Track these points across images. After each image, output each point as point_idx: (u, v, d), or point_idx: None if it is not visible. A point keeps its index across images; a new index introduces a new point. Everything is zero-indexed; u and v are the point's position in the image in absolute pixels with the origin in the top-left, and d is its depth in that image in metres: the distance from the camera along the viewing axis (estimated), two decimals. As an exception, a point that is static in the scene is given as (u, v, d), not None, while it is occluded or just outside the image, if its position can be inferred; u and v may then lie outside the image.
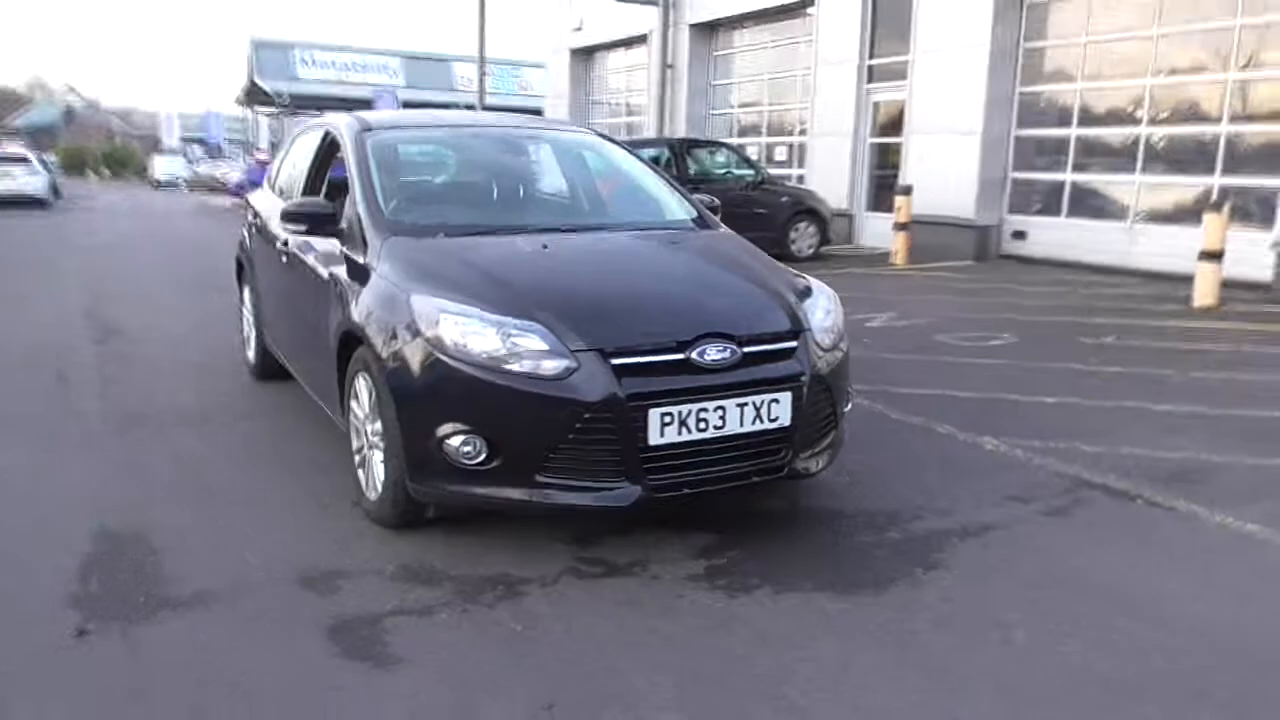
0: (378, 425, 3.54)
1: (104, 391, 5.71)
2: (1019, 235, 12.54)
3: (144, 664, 2.68)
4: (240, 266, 6.11)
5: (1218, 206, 8.97)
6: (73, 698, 2.53)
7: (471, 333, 3.23)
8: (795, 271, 4.09)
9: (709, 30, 18.05)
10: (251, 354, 5.96)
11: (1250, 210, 9.84)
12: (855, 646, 2.80)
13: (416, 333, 3.30)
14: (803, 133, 15.88)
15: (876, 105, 14.32)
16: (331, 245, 4.11)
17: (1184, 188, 10.81)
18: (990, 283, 10.43)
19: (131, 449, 4.61)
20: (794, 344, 3.48)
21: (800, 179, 15.45)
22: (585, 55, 22.41)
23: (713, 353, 3.28)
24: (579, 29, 21.67)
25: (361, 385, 3.65)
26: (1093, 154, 11.84)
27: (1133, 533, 3.68)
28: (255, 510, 3.82)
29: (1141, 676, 2.64)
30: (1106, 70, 11.53)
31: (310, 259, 4.32)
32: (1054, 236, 12.05)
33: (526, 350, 3.18)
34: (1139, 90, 11.14)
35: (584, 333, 3.22)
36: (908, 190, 12.12)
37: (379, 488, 3.57)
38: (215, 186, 39.25)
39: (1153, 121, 11.04)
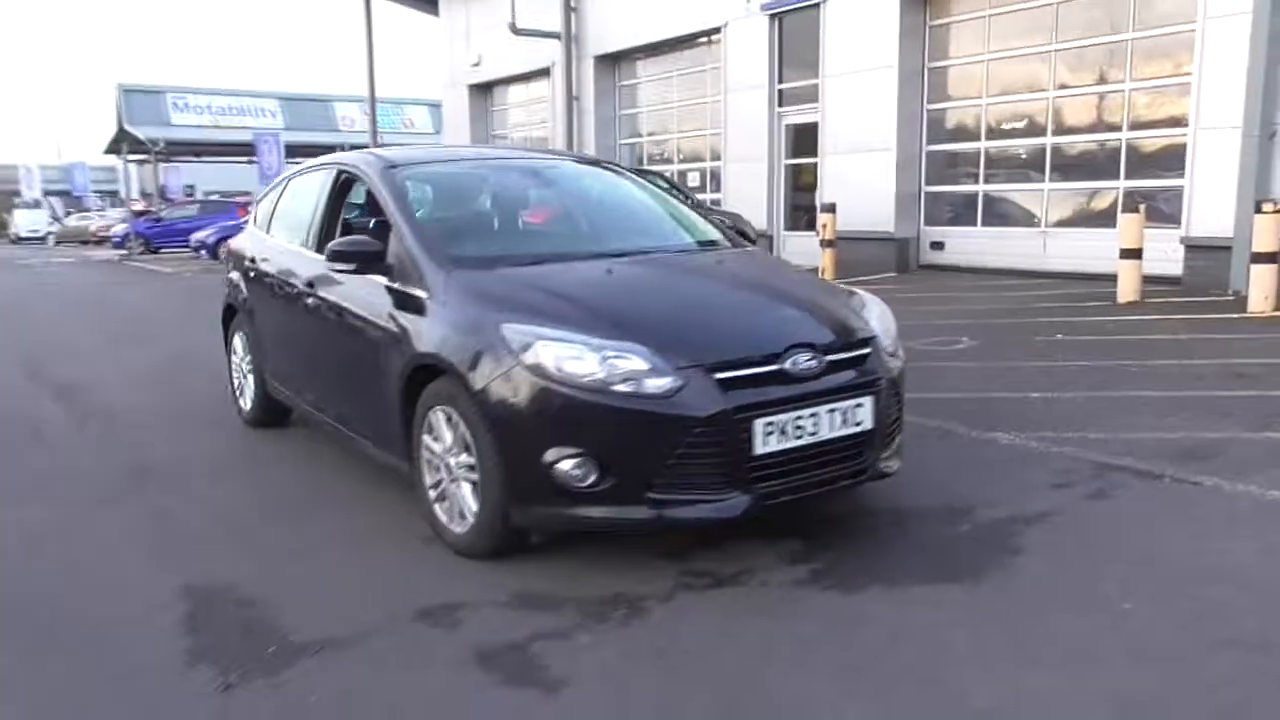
0: (464, 457, 3.55)
1: (96, 447, 5.48)
2: (937, 245, 13.14)
3: (304, 710, 2.63)
4: (228, 315, 5.95)
5: (1134, 208, 9.63)
6: (249, 750, 2.47)
7: (572, 357, 3.28)
8: (839, 283, 4.27)
9: (613, 61, 18.32)
10: (246, 402, 5.80)
11: (1158, 210, 10.56)
12: (986, 632, 2.95)
13: (514, 361, 3.33)
14: (715, 158, 16.27)
15: (789, 128, 14.80)
16: (376, 283, 4.07)
17: (1090, 193, 11.55)
18: (925, 291, 10.90)
19: (156, 502, 4.46)
20: (868, 350, 3.65)
21: (716, 203, 15.79)
22: (484, 90, 22.41)
23: (804, 362, 3.42)
24: (477, 64, 21.66)
25: (440, 419, 3.65)
26: (1002, 165, 12.53)
27: (1175, 507, 3.96)
28: (322, 554, 3.75)
29: (1258, 634, 2.87)
30: (1009, 86, 12.25)
31: (349, 298, 4.27)
32: (971, 245, 12.68)
33: (628, 371, 3.25)
34: (1041, 103, 11.87)
35: (681, 350, 3.31)
36: (832, 208, 12.56)
37: (470, 519, 3.56)
38: (90, 239, 37.51)
39: (1056, 132, 11.77)
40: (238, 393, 5.94)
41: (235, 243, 5.99)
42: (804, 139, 14.54)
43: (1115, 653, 2.79)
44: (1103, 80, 11.27)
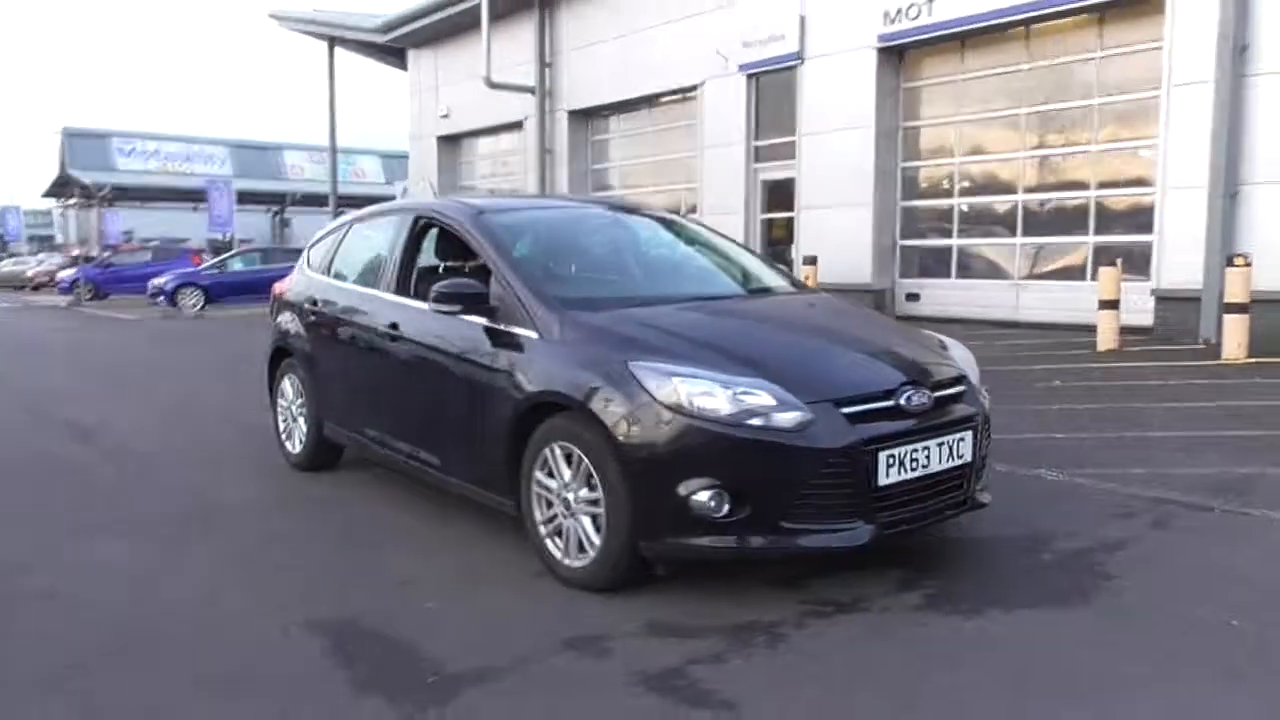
0: (585, 492, 3.67)
1: (146, 488, 5.45)
2: (913, 297, 13.60)
3: (494, 733, 2.71)
4: (277, 359, 5.98)
5: (1112, 262, 10.15)
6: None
7: (703, 393, 3.44)
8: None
9: (586, 116, 18.69)
10: (295, 445, 5.82)
11: (1130, 264, 11.13)
12: (1113, 653, 3.13)
13: (648, 398, 3.47)
14: (692, 210, 16.62)
15: (765, 183, 15.24)
16: (475, 324, 4.19)
17: (1061, 248, 12.12)
18: (911, 340, 11.26)
19: (237, 540, 4.48)
20: (964, 388, 3.89)
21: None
22: (453, 141, 22.62)
23: (917, 398, 3.63)
24: (446, 116, 21.90)
25: (558, 455, 3.77)
26: (976, 221, 13.08)
27: (1234, 535, 4.24)
28: (428, 589, 3.80)
29: (1355, 643, 3.12)
30: (980, 146, 12.84)
31: (445, 339, 4.37)
32: (946, 296, 13.16)
33: (759, 406, 3.42)
34: (1012, 163, 12.47)
35: (806, 387, 3.50)
36: (813, 260, 12.96)
37: (591, 552, 3.67)
38: (26, 285, 36.51)
39: (1027, 190, 12.36)
40: (284, 436, 5.95)
41: (287, 287, 6.04)
42: (779, 194, 15.00)
43: (1244, 664, 3.01)
44: (1071, 142, 11.89)
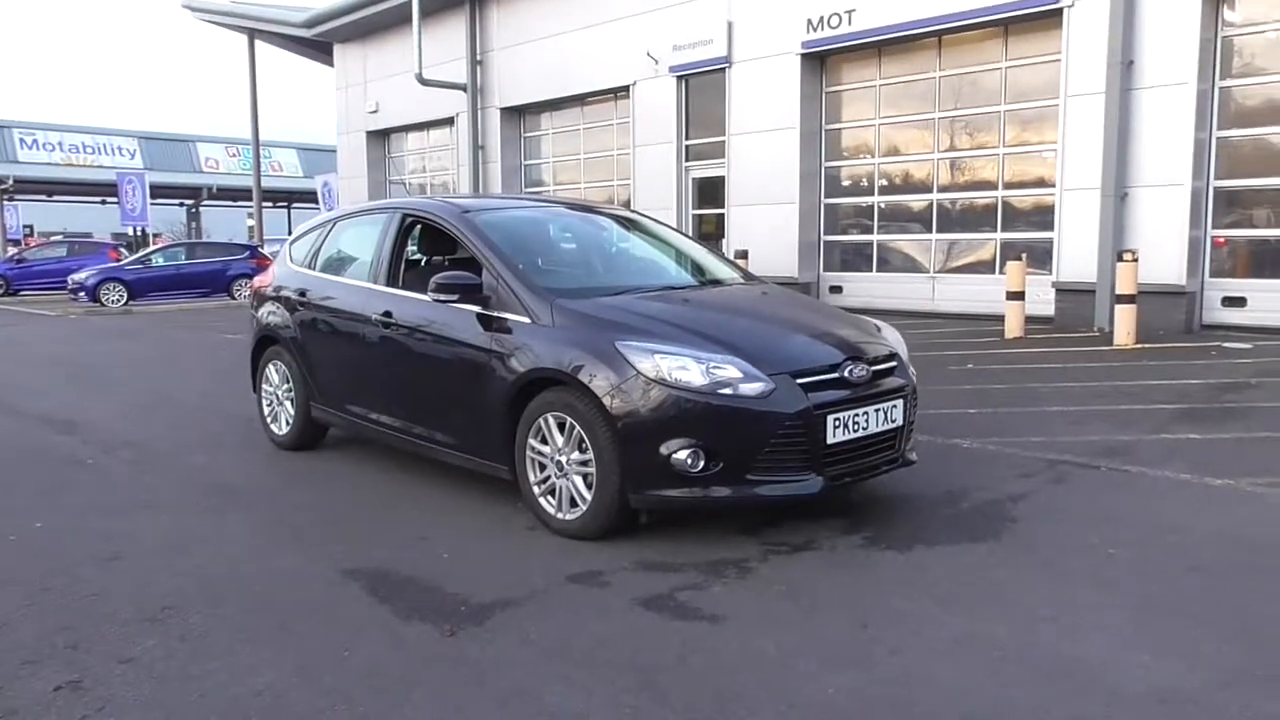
0: (577, 455, 4.27)
1: (149, 472, 5.83)
2: (836, 289, 14.46)
3: (528, 643, 3.29)
4: (261, 348, 6.42)
5: (1018, 256, 11.10)
6: (493, 672, 3.10)
7: (680, 367, 4.07)
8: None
9: (518, 113, 19.15)
10: (281, 427, 6.27)
11: (1034, 259, 12.13)
12: (1023, 572, 3.87)
13: (634, 372, 4.09)
14: (625, 206, 17.24)
15: (695, 180, 15.95)
16: (467, 311, 4.75)
17: (971, 244, 13.09)
18: (835, 329, 12.08)
19: (258, 511, 4.94)
20: (895, 363, 4.59)
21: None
22: (381, 136, 22.82)
23: (858, 372, 4.31)
24: (375, 111, 22.10)
25: (551, 424, 4.35)
26: (894, 218, 13.99)
27: (1116, 487, 5.04)
28: (440, 543, 4.34)
29: (1217, 562, 3.91)
30: (898, 147, 13.75)
31: (440, 326, 4.91)
32: (867, 288, 14.05)
33: (728, 378, 4.06)
34: (927, 164, 13.40)
35: (769, 361, 4.15)
36: (744, 254, 13.71)
37: (583, 506, 4.27)
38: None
39: (941, 189, 13.30)
40: (269, 420, 6.39)
41: (270, 281, 6.47)
42: (709, 191, 15.72)
43: (1122, 577, 3.77)
44: (980, 145, 12.86)
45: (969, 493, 4.95)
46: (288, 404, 6.20)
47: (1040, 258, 12.06)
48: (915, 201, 13.65)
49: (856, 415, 4.25)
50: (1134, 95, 10.85)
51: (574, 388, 4.26)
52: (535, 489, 4.50)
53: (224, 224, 47.20)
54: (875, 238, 14.12)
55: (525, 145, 19.41)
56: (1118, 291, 10.21)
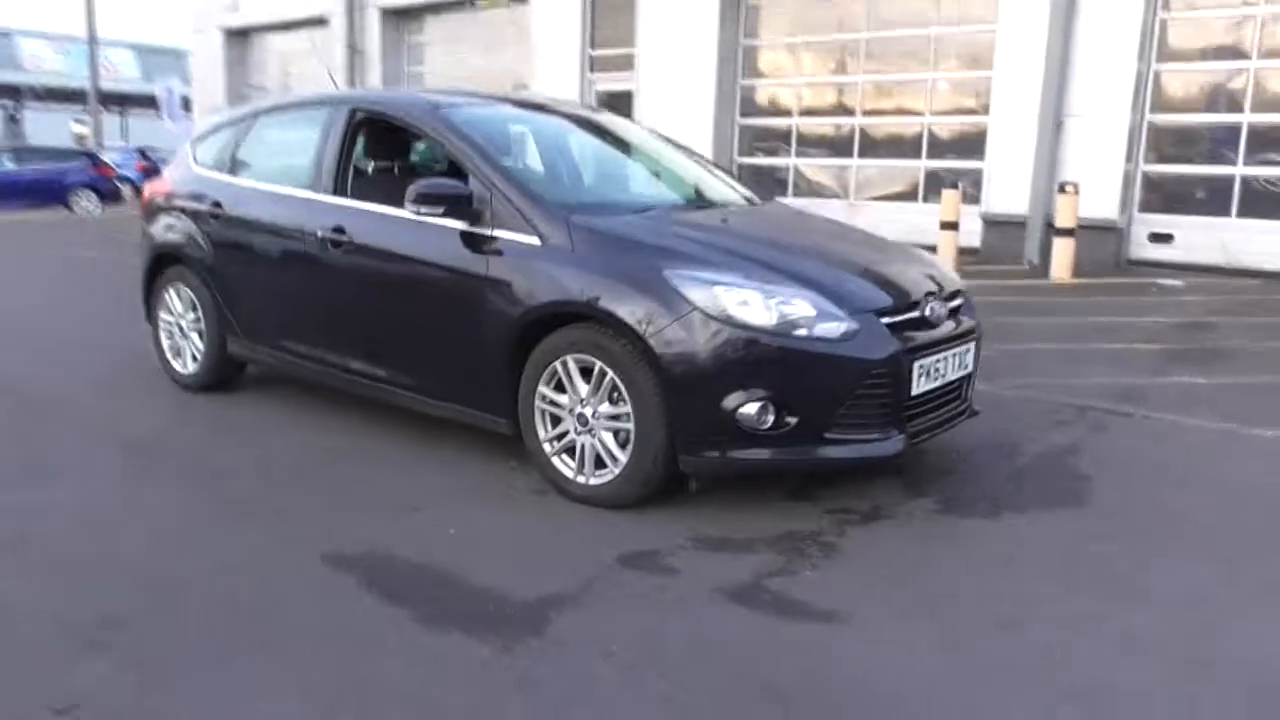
0: (606, 406, 3.50)
1: (49, 426, 4.71)
2: (751, 216, 13.86)
3: (608, 657, 2.55)
4: (157, 269, 5.29)
5: (954, 185, 10.73)
6: (582, 707, 2.37)
7: (744, 303, 3.33)
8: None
9: (401, 16, 17.57)
10: (187, 365, 5.21)
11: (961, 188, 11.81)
12: (1125, 546, 3.36)
13: (690, 308, 3.32)
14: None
15: (601, 94, 14.95)
16: (449, 229, 3.85)
17: (895, 171, 12.69)
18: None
19: (191, 478, 3.96)
20: (964, 300, 3.98)
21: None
22: (242, 36, 20.68)
23: (939, 310, 3.68)
24: (234, 8, 19.95)
25: (573, 367, 3.56)
26: (813, 142, 13.43)
27: (1163, 438, 4.63)
28: (435, 513, 3.53)
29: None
30: (821, 69, 13.14)
31: (416, 247, 3.99)
32: (784, 216, 13.51)
33: (800, 316, 3.35)
34: (851, 86, 12.85)
35: (845, 297, 3.46)
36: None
37: (615, 469, 3.52)
38: None
39: (865, 114, 12.80)
40: (170, 354, 5.30)
41: (169, 188, 5.32)
42: (616, 107, 14.73)
43: (1235, 550, 3.32)
44: (908, 69, 12.37)
45: (1016, 445, 4.44)
46: (194, 337, 5.13)
47: (966, 188, 11.75)
48: (836, 126, 13.12)
49: (938, 361, 3.62)
50: (1076, 23, 10.52)
51: (605, 325, 3.46)
52: (547, 446, 3.71)
53: (46, 130, 42.70)
54: (792, 161, 13.56)
55: (409, 51, 17.87)
56: (1057, 225, 9.98)
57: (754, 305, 3.34)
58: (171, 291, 5.23)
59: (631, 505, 3.54)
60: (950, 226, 10.59)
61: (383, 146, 4.57)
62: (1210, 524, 3.54)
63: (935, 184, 11.77)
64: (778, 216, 4.47)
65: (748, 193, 4.79)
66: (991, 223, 11.42)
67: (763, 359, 3.30)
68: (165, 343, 5.33)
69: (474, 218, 3.83)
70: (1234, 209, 10.40)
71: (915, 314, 3.60)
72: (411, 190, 3.81)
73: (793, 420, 3.33)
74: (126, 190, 23.39)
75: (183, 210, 5.13)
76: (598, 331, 3.49)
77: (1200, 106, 10.51)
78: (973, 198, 11.62)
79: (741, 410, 3.30)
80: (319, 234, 4.32)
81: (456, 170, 4.05)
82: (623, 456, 3.50)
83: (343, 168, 4.44)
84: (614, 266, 3.50)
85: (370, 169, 4.55)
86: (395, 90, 4.59)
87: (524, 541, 3.31)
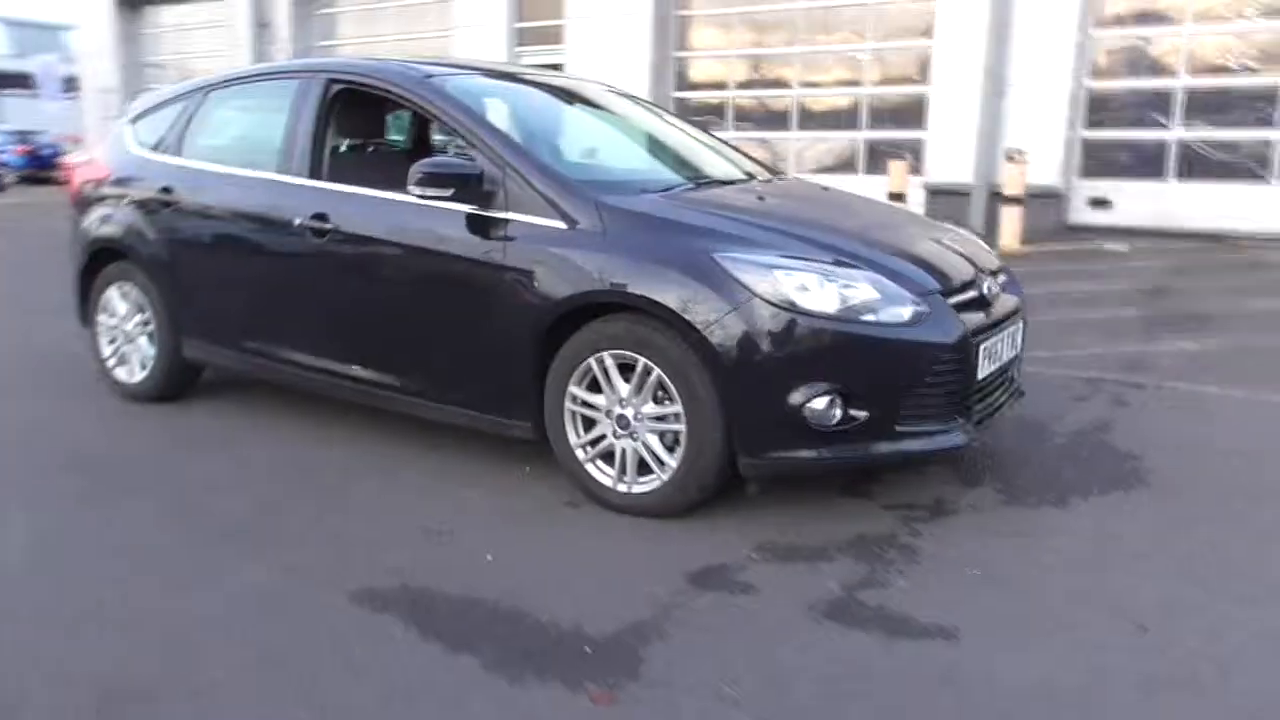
0: (650, 406, 3.17)
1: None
2: (688, 191, 13.57)
3: (732, 702, 2.24)
4: (96, 266, 4.72)
5: (900, 156, 10.62)
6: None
7: (803, 287, 3.03)
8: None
9: (308, -14, 16.68)
10: (135, 373, 4.66)
11: (899, 157, 11.72)
12: (1208, 529, 3.20)
13: (747, 294, 3.00)
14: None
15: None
16: (455, 212, 3.46)
17: (835, 142, 12.55)
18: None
19: (166, 497, 3.48)
20: (1008, 277, 3.75)
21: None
22: (132, 9, 19.40)
23: (994, 287, 3.44)
24: (124, -22, 18.70)
25: (611, 364, 3.21)
26: (750, 115, 13.19)
27: (1192, 409, 4.52)
28: (466, 535, 3.16)
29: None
30: (756, 40, 12.88)
31: (417, 234, 3.58)
32: (722, 190, 13.26)
33: (866, 300, 3.07)
34: (791, 58, 12.64)
35: (907, 277, 3.19)
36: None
37: (663, 474, 3.19)
38: None
39: (805, 85, 12.61)
40: (112, 362, 4.75)
41: (105, 173, 4.73)
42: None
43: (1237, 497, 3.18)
44: (848, 40, 12.21)
45: (1044, 425, 4.26)
46: (143, 341, 4.60)
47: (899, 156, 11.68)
48: (774, 98, 12.90)
49: (998, 342, 3.38)
50: (1018, -12, 10.49)
51: (649, 317, 3.12)
52: (580, 452, 3.36)
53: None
54: (730, 135, 13.27)
55: (318, 24, 16.98)
56: (1006, 193, 9.95)
57: (816, 290, 3.04)
58: (114, 291, 4.67)
59: (680, 514, 3.23)
60: (898, 198, 10.48)
61: (366, 122, 4.14)
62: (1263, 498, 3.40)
63: (876, 156, 11.67)
64: (809, 193, 4.18)
65: (761, 167, 4.48)
66: (934, 192, 11.38)
67: (830, 348, 3.01)
68: (107, 349, 4.77)
69: (485, 200, 3.43)
70: (1171, 173, 10.54)
71: (974, 293, 3.35)
72: (416, 170, 3.39)
73: (862, 414, 3.04)
74: (9, 176, 21.92)
75: (123, 198, 4.57)
76: (640, 324, 3.15)
77: (1137, 72, 10.60)
78: (913, 168, 11.55)
79: (809, 406, 3.00)
80: (297, 222, 3.85)
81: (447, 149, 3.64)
82: (671, 461, 3.18)
83: (320, 147, 3.97)
84: (656, 252, 3.15)
85: (349, 147, 4.10)
86: (374, 59, 4.10)
87: (573, 563, 2.96)
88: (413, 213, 3.56)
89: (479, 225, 3.44)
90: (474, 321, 3.48)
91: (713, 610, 2.66)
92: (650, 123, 4.59)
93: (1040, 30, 10.44)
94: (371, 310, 3.78)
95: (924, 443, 3.18)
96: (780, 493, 3.40)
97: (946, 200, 11.21)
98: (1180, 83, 10.34)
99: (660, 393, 3.17)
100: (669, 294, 3.07)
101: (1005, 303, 3.54)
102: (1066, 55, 10.40)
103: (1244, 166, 10.21)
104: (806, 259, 3.11)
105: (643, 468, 3.25)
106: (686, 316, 3.03)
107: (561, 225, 3.31)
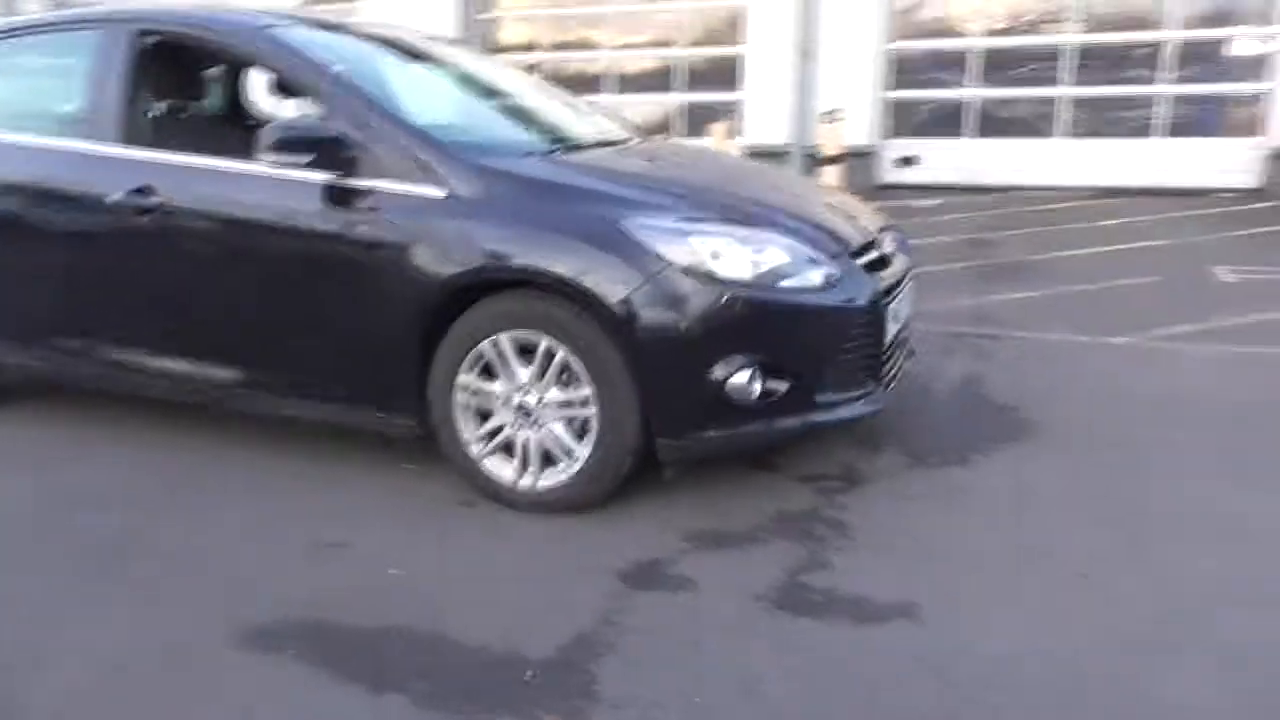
0: (556, 391, 2.90)
1: None
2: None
3: (687, 696, 2.03)
4: None
5: (721, 118, 10.60)
6: None
7: (719, 253, 2.83)
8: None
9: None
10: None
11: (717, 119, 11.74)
12: (1102, 473, 3.26)
13: (661, 264, 2.77)
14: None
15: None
16: (308, 183, 3.03)
17: (650, 105, 12.43)
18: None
19: (44, 539, 2.90)
20: (897, 235, 3.69)
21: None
22: None
23: (892, 246, 3.36)
24: None
25: (508, 348, 2.91)
26: (561, 79, 12.83)
27: (1054, 358, 4.62)
28: (370, 547, 2.80)
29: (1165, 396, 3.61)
30: (566, 2, 12.54)
31: (257, 206, 3.13)
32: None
33: (780, 265, 2.90)
34: (602, 19, 12.37)
35: (815, 239, 3.05)
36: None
37: (573, 465, 2.93)
38: None
39: (617, 48, 12.39)
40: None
41: None
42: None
43: (1193, 449, 3.32)
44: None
45: (923, 380, 4.26)
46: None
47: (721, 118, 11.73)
48: (588, 60, 12.62)
49: (900, 302, 3.31)
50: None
51: (551, 293, 2.84)
52: (475, 448, 3.04)
53: None
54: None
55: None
56: (827, 153, 10.11)
57: (731, 256, 2.84)
58: None
59: (589, 505, 2.98)
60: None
61: (187, 81, 3.58)
62: (1176, 440, 3.51)
63: (693, 118, 11.63)
64: (693, 156, 3.98)
65: (629, 128, 4.23)
66: (754, 154, 11.44)
67: (750, 318, 2.82)
68: None
69: (347, 166, 3.02)
70: (970, 130, 11.07)
71: (875, 253, 3.25)
72: (268, 134, 2.93)
73: (782, 386, 2.88)
74: None
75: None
76: (542, 302, 2.86)
77: (937, 34, 11.03)
78: (733, 131, 11.60)
79: (732, 381, 2.81)
80: (113, 198, 3.28)
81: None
82: (582, 450, 2.92)
83: (136, 109, 3.41)
84: (555, 221, 2.86)
85: (170, 109, 3.54)
86: (192, 7, 3.54)
87: (488, 573, 2.67)
88: (261, 184, 3.10)
89: (341, 196, 3.02)
90: (343, 307, 3.07)
91: (656, 611, 2.44)
92: (509, 81, 4.24)
93: (846, -8, 10.67)
94: (216, 299, 3.28)
95: (843, 411, 3.06)
96: (689, 472, 3.20)
97: (765, 161, 11.32)
98: (976, 43, 10.84)
99: (565, 375, 2.89)
100: (575, 267, 2.79)
101: (900, 262, 3.46)
102: (873, 17, 10.68)
103: (1030, 123, 10.85)
104: (718, 223, 2.90)
105: (547, 459, 2.97)
106: (596, 291, 2.77)
107: (438, 193, 2.95)
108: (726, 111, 11.28)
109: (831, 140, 10.02)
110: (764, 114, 11.27)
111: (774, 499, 3.07)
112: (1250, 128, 10.02)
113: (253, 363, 3.27)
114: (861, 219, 3.47)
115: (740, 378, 2.82)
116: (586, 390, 2.86)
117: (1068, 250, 7.41)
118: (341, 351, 3.12)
